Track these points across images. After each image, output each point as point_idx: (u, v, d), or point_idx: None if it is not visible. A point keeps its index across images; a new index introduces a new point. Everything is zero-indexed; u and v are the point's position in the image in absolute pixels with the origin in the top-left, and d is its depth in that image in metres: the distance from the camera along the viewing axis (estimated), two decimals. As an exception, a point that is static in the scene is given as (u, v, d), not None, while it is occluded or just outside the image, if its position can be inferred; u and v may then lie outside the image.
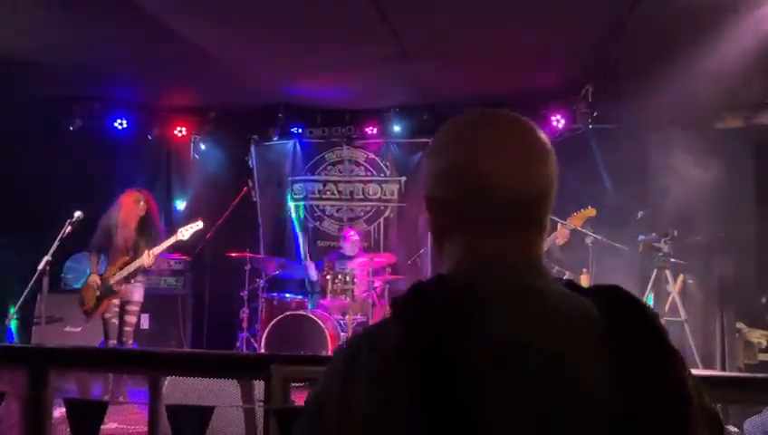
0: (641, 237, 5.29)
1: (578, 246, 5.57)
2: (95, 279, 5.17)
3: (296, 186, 7.63)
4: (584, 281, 5.46)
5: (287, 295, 6.43)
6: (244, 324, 6.26)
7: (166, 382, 2.61)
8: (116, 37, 5.33)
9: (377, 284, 6.41)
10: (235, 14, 4.87)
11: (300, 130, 7.43)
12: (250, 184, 6.94)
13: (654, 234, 5.23)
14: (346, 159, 7.54)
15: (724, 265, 5.28)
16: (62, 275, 6.60)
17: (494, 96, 6.35)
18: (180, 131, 7.47)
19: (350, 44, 5.42)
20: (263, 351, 5.70)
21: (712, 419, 0.86)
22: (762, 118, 5.69)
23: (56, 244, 4.73)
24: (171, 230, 5.45)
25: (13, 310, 5.21)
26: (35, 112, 6.33)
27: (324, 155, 7.59)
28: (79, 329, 5.93)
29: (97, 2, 4.66)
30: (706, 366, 4.91)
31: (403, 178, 7.43)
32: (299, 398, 2.00)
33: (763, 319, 5.16)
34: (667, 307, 5.13)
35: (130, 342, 5.16)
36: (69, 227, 4.83)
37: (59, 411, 2.10)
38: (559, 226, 5.37)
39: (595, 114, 6.28)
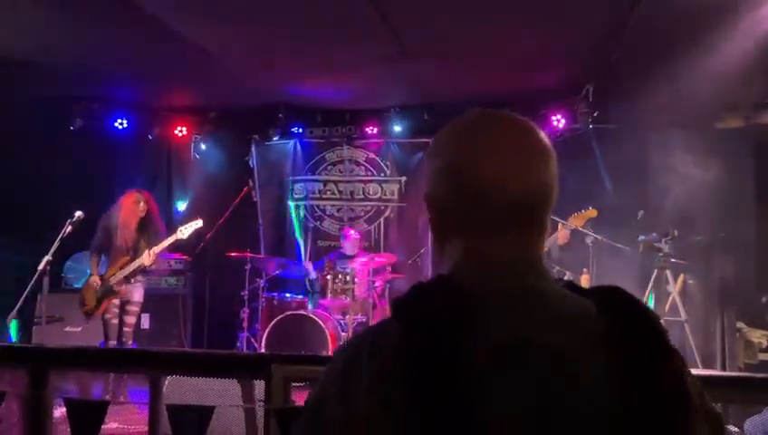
0: (642, 237, 5.29)
1: (578, 246, 5.57)
2: (95, 280, 5.18)
3: (297, 186, 7.63)
4: (584, 281, 5.46)
5: (287, 295, 6.44)
6: (245, 324, 6.26)
7: (166, 382, 2.62)
8: (116, 37, 5.33)
9: (377, 283, 6.41)
10: (235, 14, 4.87)
11: (300, 130, 7.43)
12: (250, 184, 6.93)
13: (654, 234, 5.23)
14: (346, 159, 7.54)
15: (725, 265, 5.28)
16: (63, 274, 6.60)
17: (494, 96, 6.34)
18: (181, 131, 7.47)
19: (350, 44, 5.42)
20: (263, 350, 5.70)
21: (713, 419, 0.86)
22: (762, 118, 5.69)
23: (57, 243, 4.72)
24: (171, 229, 5.45)
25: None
26: (35, 112, 6.32)
27: (325, 155, 7.59)
28: (79, 329, 5.93)
29: (97, 2, 4.66)
30: (707, 366, 4.91)
31: (403, 178, 7.43)
32: (299, 398, 2.00)
33: (764, 319, 5.16)
34: (667, 307, 5.13)
35: (130, 342, 5.16)
36: (69, 227, 4.83)
37: (59, 411, 2.10)
38: (560, 226, 5.37)
39: (595, 114, 6.28)
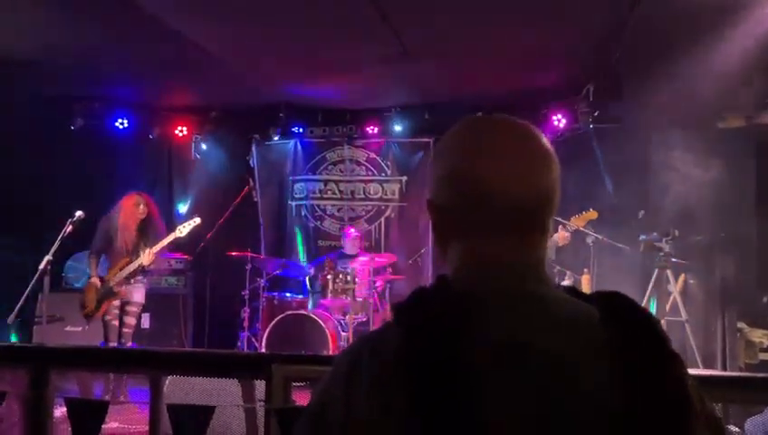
0: (642, 237, 5.29)
1: (579, 246, 5.57)
2: (95, 282, 5.17)
3: (297, 185, 7.63)
4: (585, 281, 5.47)
5: (288, 295, 6.44)
6: (245, 324, 6.26)
7: (167, 382, 2.62)
8: (116, 37, 5.33)
9: (378, 283, 6.41)
10: (235, 14, 4.87)
11: (301, 130, 7.43)
12: (251, 183, 6.94)
13: (655, 233, 5.23)
14: (347, 159, 7.54)
15: (726, 265, 5.28)
16: (63, 274, 6.60)
17: (495, 96, 6.35)
18: (181, 131, 7.47)
19: (350, 44, 5.42)
20: (263, 350, 5.70)
21: (714, 424, 0.86)
22: (763, 118, 5.68)
23: (57, 243, 4.73)
24: (171, 229, 5.45)
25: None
26: (35, 112, 6.32)
27: (325, 154, 7.59)
28: (80, 328, 5.93)
29: (97, 2, 4.66)
30: (707, 366, 4.91)
31: (404, 178, 7.43)
32: (300, 397, 2.00)
33: (765, 319, 5.15)
34: (668, 307, 5.13)
35: (129, 343, 5.15)
36: (70, 227, 4.83)
37: (60, 411, 2.11)
38: (560, 227, 5.38)
39: (596, 114, 6.27)
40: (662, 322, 4.50)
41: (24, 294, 4.52)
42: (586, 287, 5.39)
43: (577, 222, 5.39)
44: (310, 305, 6.46)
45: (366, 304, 6.22)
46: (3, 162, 6.00)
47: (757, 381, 1.95)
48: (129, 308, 5.19)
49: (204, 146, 7.58)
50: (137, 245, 5.20)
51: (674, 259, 5.19)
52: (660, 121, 5.75)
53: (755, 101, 5.55)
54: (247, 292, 6.30)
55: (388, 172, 7.48)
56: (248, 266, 6.28)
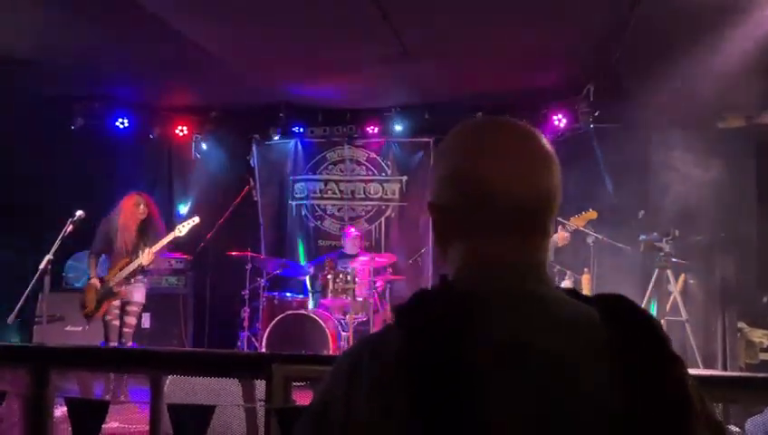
0: (642, 237, 5.29)
1: (579, 246, 5.57)
2: (95, 282, 5.17)
3: (297, 185, 7.63)
4: (585, 280, 5.47)
5: (288, 295, 6.44)
6: (246, 324, 6.26)
7: (167, 382, 2.62)
8: (116, 37, 5.33)
9: (378, 283, 6.41)
10: (235, 14, 4.87)
11: (301, 130, 7.43)
12: (251, 183, 6.94)
13: (655, 233, 5.23)
14: (347, 159, 7.54)
15: (726, 265, 5.28)
16: (64, 274, 6.60)
17: (495, 96, 6.35)
18: (182, 131, 7.47)
19: (350, 44, 5.42)
20: (264, 350, 5.70)
21: (714, 425, 0.86)
22: (763, 118, 5.68)
23: (57, 243, 4.72)
24: (170, 228, 5.45)
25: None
26: (35, 112, 6.31)
27: (325, 154, 7.59)
28: (80, 328, 5.93)
29: (97, 2, 4.66)
30: (708, 366, 4.91)
31: (404, 178, 7.43)
32: (300, 397, 2.01)
33: (765, 319, 5.16)
34: (668, 307, 5.13)
35: (129, 343, 5.15)
36: (70, 227, 4.83)
37: (60, 411, 2.11)
38: (559, 227, 5.38)
39: (596, 114, 6.28)
40: (662, 322, 4.51)
41: (25, 294, 4.52)
42: (586, 287, 5.40)
43: (577, 222, 5.39)
44: (310, 305, 6.46)
45: (366, 303, 6.22)
46: (3, 162, 6.00)
47: (757, 381, 1.95)
48: (130, 308, 5.19)
49: (204, 146, 7.58)
50: (137, 245, 5.20)
51: (674, 259, 5.19)
52: (660, 121, 5.76)
53: (755, 101, 5.55)
54: (247, 292, 6.29)
55: (389, 172, 7.48)
56: (248, 266, 6.27)
